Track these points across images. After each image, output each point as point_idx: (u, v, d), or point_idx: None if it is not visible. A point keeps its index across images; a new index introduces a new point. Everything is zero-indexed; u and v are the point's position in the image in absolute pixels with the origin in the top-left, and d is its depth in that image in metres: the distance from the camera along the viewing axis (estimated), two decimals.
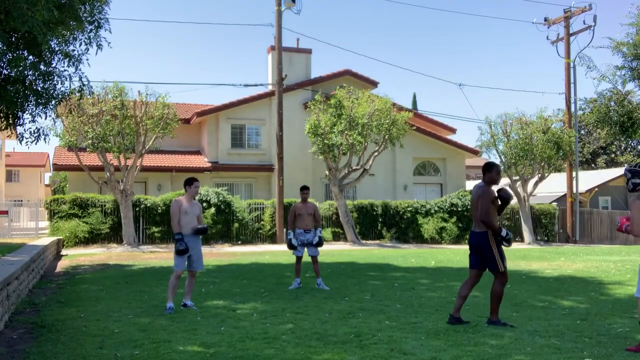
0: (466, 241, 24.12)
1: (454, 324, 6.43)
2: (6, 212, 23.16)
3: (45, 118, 10.67)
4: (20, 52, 9.82)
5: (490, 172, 6.40)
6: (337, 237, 23.20)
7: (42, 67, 9.81)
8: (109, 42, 10.77)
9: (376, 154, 22.51)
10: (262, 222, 22.69)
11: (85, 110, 18.66)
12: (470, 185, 35.05)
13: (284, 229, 19.53)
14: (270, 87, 26.35)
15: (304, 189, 9.80)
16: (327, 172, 22.06)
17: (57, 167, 24.63)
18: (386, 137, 21.62)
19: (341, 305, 7.80)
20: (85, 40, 10.44)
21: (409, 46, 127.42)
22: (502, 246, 6.43)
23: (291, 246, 9.51)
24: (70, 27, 9.93)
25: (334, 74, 27.95)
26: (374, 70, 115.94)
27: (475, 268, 6.49)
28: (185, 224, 7.47)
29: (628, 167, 5.83)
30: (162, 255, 16.34)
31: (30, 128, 10.79)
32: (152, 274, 11.74)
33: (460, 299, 6.48)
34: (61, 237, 18.77)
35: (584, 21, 26.24)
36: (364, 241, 22.93)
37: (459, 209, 23.93)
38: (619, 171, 37.77)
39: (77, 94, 10.63)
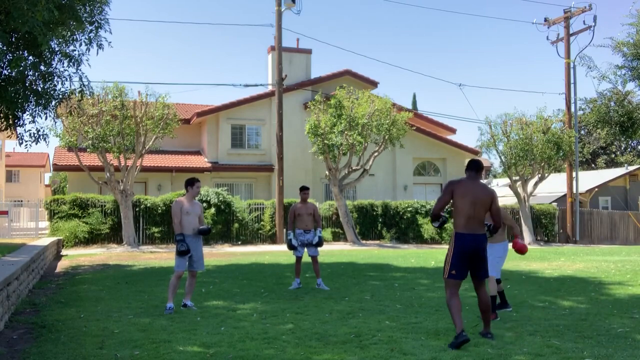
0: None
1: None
2: (6, 213, 23.14)
3: (46, 118, 10.69)
4: (21, 52, 9.81)
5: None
6: (337, 237, 23.19)
7: (42, 67, 9.81)
8: (110, 42, 10.78)
9: (376, 154, 22.51)
10: (262, 223, 22.69)
11: (85, 110, 18.65)
12: None
13: (284, 229, 19.53)
14: (270, 87, 26.34)
15: (304, 189, 9.80)
16: (327, 172, 22.05)
17: (57, 168, 24.63)
18: (386, 137, 21.61)
19: (341, 306, 7.80)
20: (86, 40, 10.44)
21: (409, 46, 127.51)
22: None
23: (291, 246, 9.50)
24: (71, 28, 9.95)
25: (334, 74, 27.96)
26: (374, 70, 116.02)
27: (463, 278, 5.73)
28: (187, 225, 7.47)
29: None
30: (162, 256, 16.34)
31: (30, 129, 10.82)
32: (152, 274, 11.74)
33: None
34: (61, 238, 18.76)
35: (584, 21, 26.26)
36: (364, 241, 22.93)
37: None
38: (619, 171, 37.83)
39: (78, 95, 10.62)
